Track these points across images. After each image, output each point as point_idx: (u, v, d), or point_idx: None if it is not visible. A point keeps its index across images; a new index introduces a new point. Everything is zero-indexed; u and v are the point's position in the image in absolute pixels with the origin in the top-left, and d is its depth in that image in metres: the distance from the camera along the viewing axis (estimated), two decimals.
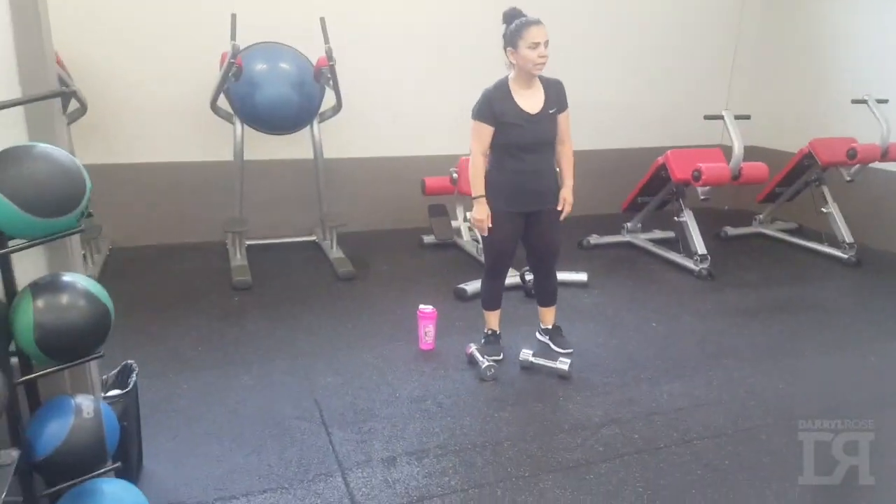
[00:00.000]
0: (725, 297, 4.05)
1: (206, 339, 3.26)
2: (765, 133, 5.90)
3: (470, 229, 4.82)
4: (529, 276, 3.79)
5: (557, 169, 3.00)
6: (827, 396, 2.90)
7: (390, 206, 5.22)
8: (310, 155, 4.50)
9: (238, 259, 4.16)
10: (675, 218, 4.60)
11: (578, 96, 5.44)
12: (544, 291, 3.23)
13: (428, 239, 4.92)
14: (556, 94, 2.83)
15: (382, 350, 3.20)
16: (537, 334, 3.35)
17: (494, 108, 2.74)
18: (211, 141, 4.51)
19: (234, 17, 3.67)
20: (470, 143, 2.83)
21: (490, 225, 2.86)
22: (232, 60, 3.68)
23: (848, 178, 4.78)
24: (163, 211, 4.62)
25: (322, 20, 3.97)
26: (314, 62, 4.16)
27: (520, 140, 2.77)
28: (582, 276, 4.15)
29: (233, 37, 3.65)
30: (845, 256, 4.70)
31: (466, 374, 3.00)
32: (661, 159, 4.50)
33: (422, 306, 3.20)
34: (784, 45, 5.81)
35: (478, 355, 3.03)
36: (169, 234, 4.64)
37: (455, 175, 4.28)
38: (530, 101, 2.78)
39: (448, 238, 4.87)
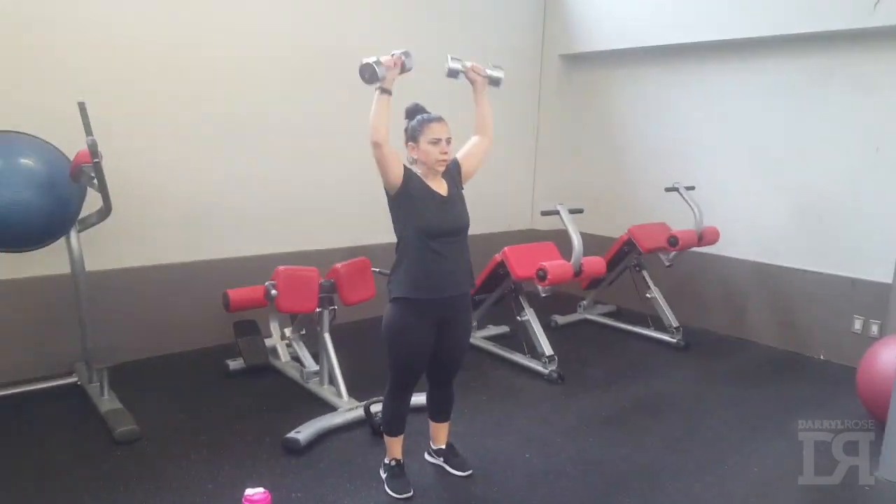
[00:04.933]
0: (582, 404, 3.72)
1: None
2: (586, 220, 5.93)
3: (288, 345, 4.01)
4: (376, 409, 3.13)
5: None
6: None
7: (182, 324, 4.18)
8: (67, 270, 3.40)
9: None
10: (518, 318, 4.25)
11: None
12: (443, 404, 2.89)
13: (234, 364, 3.98)
14: (453, 170, 2.66)
15: None
16: (427, 455, 2.99)
17: (409, 183, 2.51)
18: None
19: None
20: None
21: (399, 328, 2.56)
22: None
23: (667, 264, 4.87)
24: None
25: (81, 105, 2.91)
26: (72, 157, 3.13)
27: (434, 225, 2.52)
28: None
29: None
30: (674, 341, 4.73)
31: None
32: (498, 256, 4.15)
33: (249, 491, 2.31)
34: (594, 139, 5.98)
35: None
36: None
37: (274, 291, 3.44)
38: (439, 188, 2.60)
39: (261, 362, 3.98)
